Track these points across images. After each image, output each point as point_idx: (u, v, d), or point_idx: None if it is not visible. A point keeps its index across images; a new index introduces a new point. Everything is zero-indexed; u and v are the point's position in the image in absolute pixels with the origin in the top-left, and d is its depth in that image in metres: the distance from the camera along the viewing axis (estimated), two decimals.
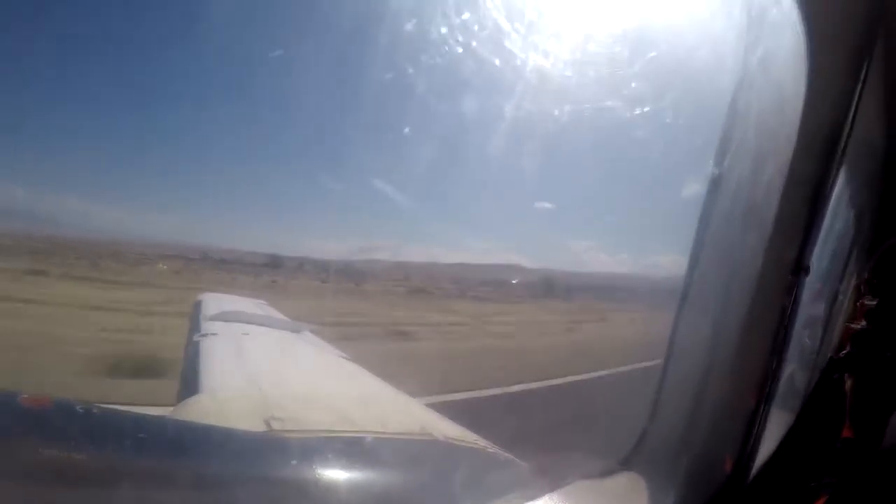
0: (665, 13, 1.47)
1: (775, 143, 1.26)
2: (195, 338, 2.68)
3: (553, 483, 1.29)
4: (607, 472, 1.41)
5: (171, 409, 1.80)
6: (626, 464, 1.42)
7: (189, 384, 2.05)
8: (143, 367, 4.39)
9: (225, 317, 3.17)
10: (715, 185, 1.35)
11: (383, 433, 1.70)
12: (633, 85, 1.50)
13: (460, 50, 1.49)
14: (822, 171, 1.27)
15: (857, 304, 2.69)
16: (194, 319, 3.23)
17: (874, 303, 2.43)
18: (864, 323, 2.48)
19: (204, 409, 1.75)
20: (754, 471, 1.50)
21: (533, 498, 1.24)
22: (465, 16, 1.47)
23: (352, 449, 1.44)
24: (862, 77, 1.24)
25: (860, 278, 2.81)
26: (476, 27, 1.47)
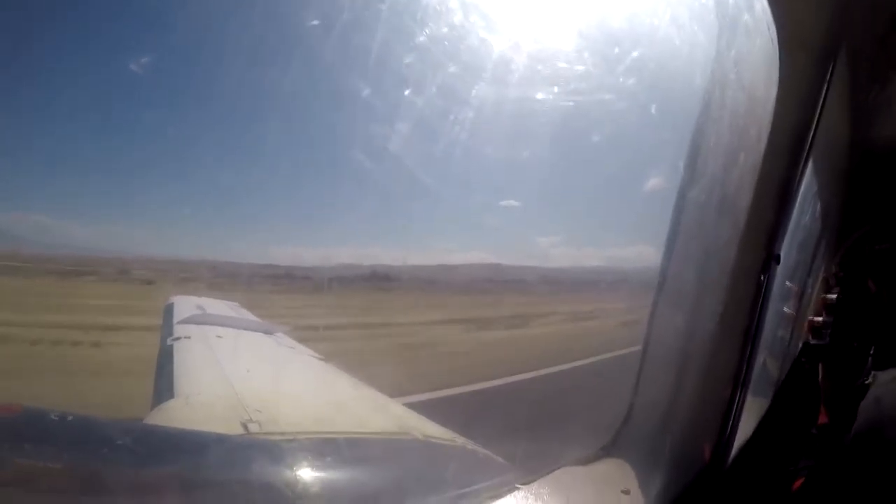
0: (639, 13, 1.50)
1: (746, 139, 1.30)
2: (168, 341, 2.63)
3: (536, 470, 1.32)
4: (590, 459, 1.44)
5: (146, 414, 1.77)
6: (608, 450, 1.45)
7: (163, 389, 2.01)
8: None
9: (197, 319, 3.12)
10: (688, 178, 1.38)
11: (362, 433, 1.70)
12: (607, 82, 1.52)
13: (426, 55, 1.50)
14: (790, 163, 1.31)
15: (820, 297, 2.76)
16: (166, 322, 3.18)
17: (834, 296, 2.51)
18: (824, 315, 2.55)
19: (179, 414, 1.72)
20: (732, 455, 1.54)
21: (517, 486, 1.26)
22: (430, 20, 1.48)
23: (330, 449, 1.44)
24: (828, 78, 1.28)
25: (828, 272, 2.89)
26: (442, 29, 1.47)
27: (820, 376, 2.47)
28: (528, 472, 1.31)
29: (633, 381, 1.47)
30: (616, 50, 1.46)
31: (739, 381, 1.42)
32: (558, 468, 1.37)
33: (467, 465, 1.57)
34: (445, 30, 1.49)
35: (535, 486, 1.27)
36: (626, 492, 1.30)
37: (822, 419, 2.37)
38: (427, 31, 1.48)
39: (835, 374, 2.38)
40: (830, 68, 1.27)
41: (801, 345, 2.67)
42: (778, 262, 1.39)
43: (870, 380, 1.81)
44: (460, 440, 1.68)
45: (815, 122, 1.31)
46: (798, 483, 1.88)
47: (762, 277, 1.36)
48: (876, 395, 1.63)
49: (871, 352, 2.06)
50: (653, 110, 1.56)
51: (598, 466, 1.42)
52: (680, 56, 1.43)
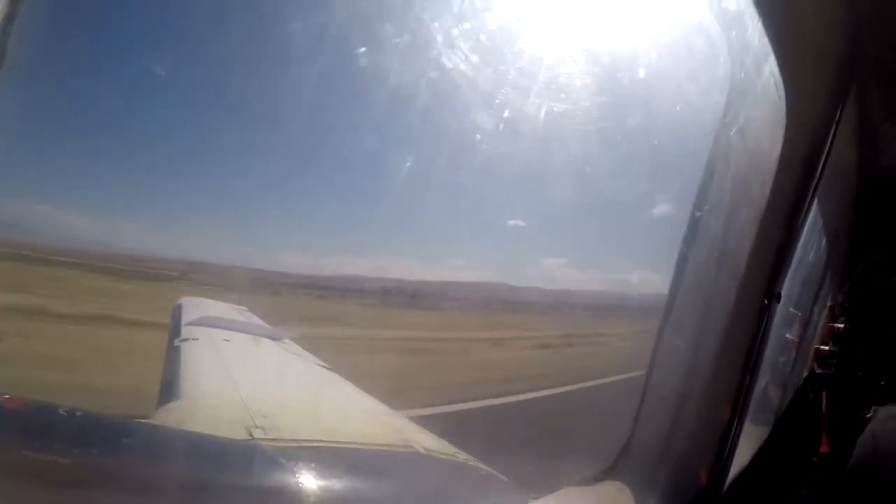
0: (642, 31, 1.52)
1: (753, 173, 1.31)
2: (175, 342, 2.65)
3: (538, 491, 1.33)
4: (591, 480, 1.45)
5: (152, 414, 1.79)
6: (609, 473, 1.47)
7: (169, 389, 2.03)
8: None
9: (206, 322, 3.14)
10: (694, 212, 1.40)
11: (365, 444, 1.71)
12: (610, 109, 1.54)
13: (424, 71, 1.52)
14: (796, 200, 1.33)
15: (827, 326, 2.76)
16: (174, 323, 3.19)
17: (841, 326, 2.51)
18: (830, 345, 2.54)
19: (184, 415, 1.74)
20: (729, 480, 1.55)
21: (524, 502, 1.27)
22: (449, 31, 1.50)
23: (332, 459, 1.45)
24: (839, 111, 1.30)
25: (835, 301, 2.89)
26: (442, 45, 1.49)
27: (824, 405, 2.47)
28: (531, 492, 1.32)
29: (635, 405, 1.49)
30: (624, 78, 1.48)
31: (737, 410, 1.43)
32: (561, 489, 1.38)
33: (469, 482, 1.57)
34: (461, 44, 1.50)
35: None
36: None
37: (824, 448, 2.36)
38: (444, 46, 1.50)
39: (839, 404, 2.37)
40: (841, 103, 1.29)
41: (805, 373, 2.66)
42: (779, 300, 1.41)
43: (870, 413, 1.80)
44: (463, 456, 1.69)
45: (824, 155, 1.33)
46: None
47: (762, 317, 1.38)
48: (873, 432, 1.63)
49: (879, 383, 2.06)
50: (656, 137, 1.57)
51: (598, 488, 1.43)
52: (685, 79, 1.45)
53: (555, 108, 1.47)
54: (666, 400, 1.45)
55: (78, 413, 1.31)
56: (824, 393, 2.49)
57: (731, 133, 1.34)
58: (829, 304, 2.94)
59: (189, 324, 3.17)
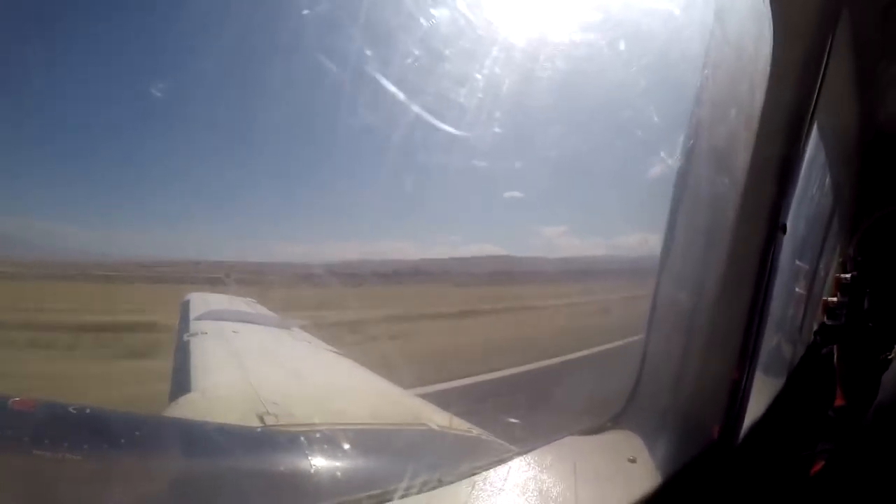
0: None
1: (744, 114, 1.28)
2: (185, 337, 2.67)
3: (545, 438, 1.34)
4: (598, 429, 1.45)
5: (165, 408, 1.80)
6: (616, 421, 1.46)
7: (180, 383, 2.04)
8: None
9: (214, 315, 3.17)
10: (690, 147, 1.38)
11: (377, 424, 1.72)
12: (608, 71, 1.52)
13: (421, 50, 1.50)
14: (791, 138, 1.30)
15: (835, 278, 2.73)
16: (183, 319, 3.22)
17: (848, 276, 2.48)
18: (839, 296, 2.52)
19: (197, 408, 1.75)
20: (743, 432, 1.54)
21: (527, 451, 1.28)
22: (435, 10, 1.48)
23: (346, 440, 1.45)
24: (827, 49, 1.26)
25: (843, 254, 2.86)
26: (435, 22, 1.47)
27: (835, 357, 2.45)
28: (537, 441, 1.33)
29: (639, 357, 1.48)
30: (616, 40, 1.46)
31: (747, 356, 1.40)
32: (565, 436, 1.38)
33: (483, 456, 1.58)
34: (450, 21, 1.48)
35: (541, 452, 1.29)
36: (633, 460, 1.31)
37: (839, 401, 2.35)
38: (432, 21, 1.48)
39: (850, 355, 2.36)
40: (830, 37, 1.25)
41: (816, 326, 2.65)
42: (784, 231, 1.37)
43: (892, 354, 1.79)
44: (476, 431, 1.70)
45: (815, 94, 1.29)
46: (817, 467, 1.86)
47: (769, 248, 1.35)
48: None
49: (891, 333, 2.04)
50: (651, 90, 1.55)
51: (605, 436, 1.43)
52: (677, 37, 1.43)
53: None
54: (672, 346, 1.44)
55: (87, 410, 1.32)
56: (835, 345, 2.48)
57: (722, 55, 1.31)
58: (837, 257, 2.92)
59: (198, 318, 3.19)
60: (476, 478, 1.18)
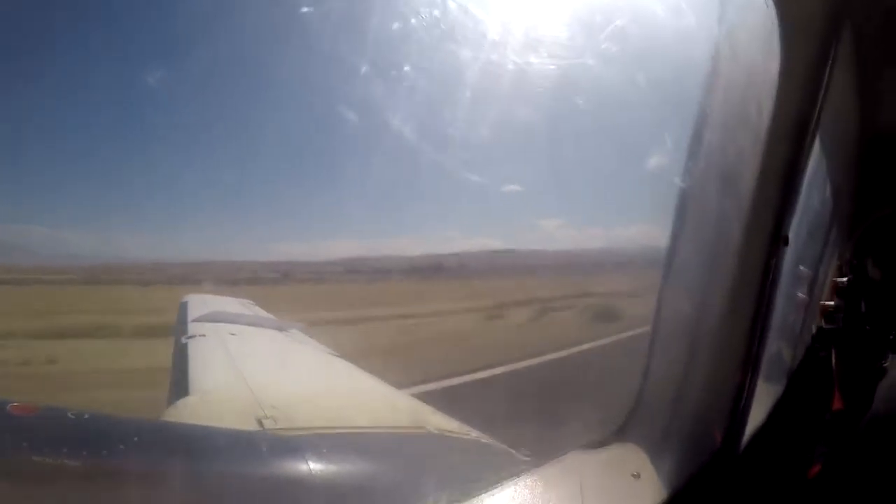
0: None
1: (748, 119, 1.28)
2: (182, 339, 2.66)
3: (548, 454, 1.33)
4: (601, 443, 1.45)
5: (163, 411, 1.80)
6: (618, 435, 1.46)
7: (179, 387, 2.04)
8: None
9: (211, 317, 3.16)
10: (692, 158, 1.38)
11: (376, 428, 1.71)
12: (610, 65, 1.52)
13: (422, 48, 1.50)
14: (795, 146, 1.29)
15: (832, 282, 2.74)
16: (180, 321, 3.21)
17: (845, 280, 2.48)
18: (836, 300, 2.53)
19: (195, 411, 1.75)
20: (745, 439, 1.54)
21: (528, 469, 1.27)
22: (425, 10, 1.47)
23: (345, 444, 1.45)
24: (831, 57, 1.26)
25: (842, 258, 2.87)
26: (437, 21, 1.47)
27: (833, 361, 2.46)
28: (540, 456, 1.32)
29: (642, 364, 1.47)
30: (619, 33, 1.46)
31: (749, 365, 1.40)
32: (569, 452, 1.38)
33: (481, 459, 1.58)
34: (448, 14, 1.48)
35: (546, 469, 1.29)
36: (637, 475, 1.30)
37: (837, 405, 2.35)
38: (430, 15, 1.48)
39: (848, 359, 2.36)
40: (833, 47, 1.25)
41: (814, 330, 2.65)
42: (786, 243, 1.37)
43: (888, 362, 1.79)
44: (475, 434, 1.69)
45: (818, 104, 1.29)
46: (815, 470, 1.87)
47: (771, 261, 1.34)
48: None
49: (892, 335, 2.04)
50: (655, 92, 1.55)
51: (608, 450, 1.43)
52: (682, 39, 1.42)
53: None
54: (675, 356, 1.43)
55: (86, 415, 1.31)
56: (833, 348, 2.48)
57: (727, 62, 1.31)
58: (835, 261, 2.92)
59: (195, 320, 3.18)
60: (483, 496, 1.18)
